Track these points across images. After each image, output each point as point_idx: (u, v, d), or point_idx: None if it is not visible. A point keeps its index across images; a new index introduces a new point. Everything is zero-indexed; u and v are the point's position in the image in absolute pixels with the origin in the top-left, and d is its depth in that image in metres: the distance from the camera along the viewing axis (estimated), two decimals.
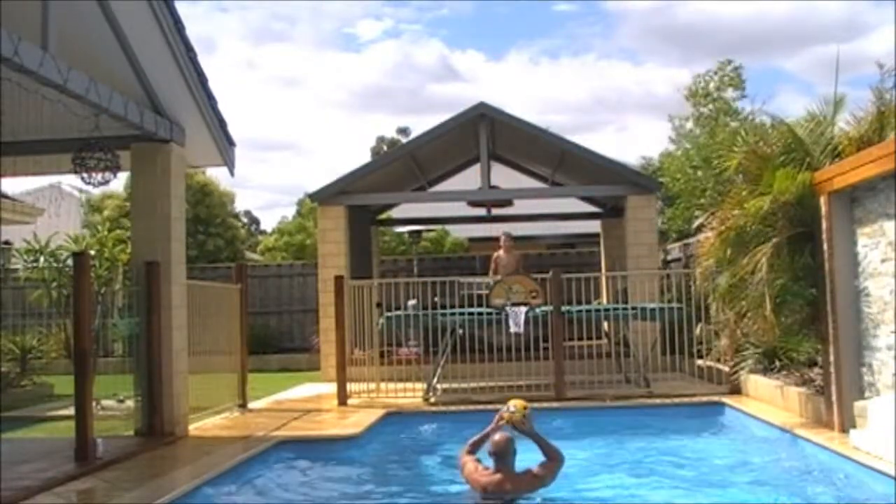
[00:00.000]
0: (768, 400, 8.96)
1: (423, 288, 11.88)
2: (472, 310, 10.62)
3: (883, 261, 6.60)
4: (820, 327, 7.56)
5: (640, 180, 14.13)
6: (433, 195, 17.46)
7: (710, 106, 22.52)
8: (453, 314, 10.57)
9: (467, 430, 6.10)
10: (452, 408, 9.72)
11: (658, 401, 9.71)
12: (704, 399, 9.57)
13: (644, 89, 65.96)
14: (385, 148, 40.11)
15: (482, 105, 13.51)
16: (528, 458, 5.75)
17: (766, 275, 7.42)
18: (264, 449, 7.36)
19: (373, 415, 9.21)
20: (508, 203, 17.22)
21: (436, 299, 11.33)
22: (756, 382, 9.47)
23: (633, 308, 10.62)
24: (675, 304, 10.57)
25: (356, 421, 8.91)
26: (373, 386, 10.82)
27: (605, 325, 12.95)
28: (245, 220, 40.23)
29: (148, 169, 8.19)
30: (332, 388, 10.80)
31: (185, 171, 9.00)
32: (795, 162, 7.79)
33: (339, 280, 10.87)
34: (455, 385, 10.84)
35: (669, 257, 15.48)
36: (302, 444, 7.80)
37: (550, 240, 20.88)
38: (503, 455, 5.61)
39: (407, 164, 15.06)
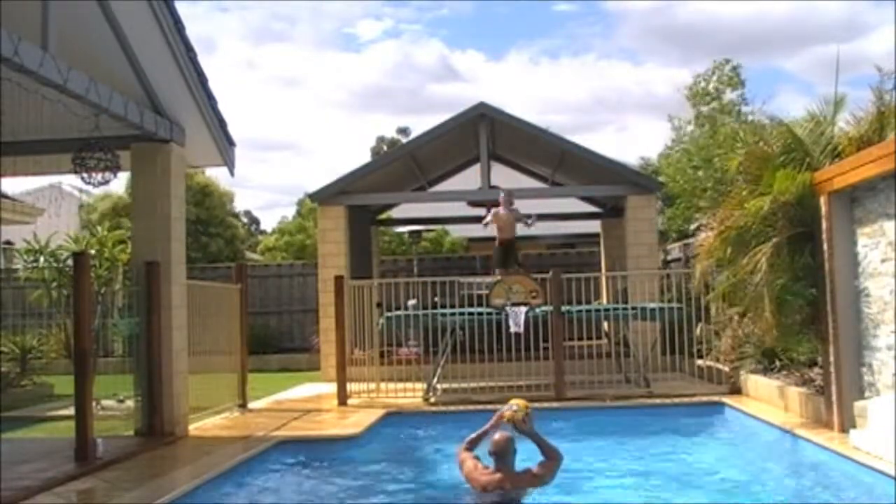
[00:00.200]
0: (768, 400, 8.96)
1: (423, 288, 11.88)
2: (472, 310, 10.62)
3: (883, 261, 6.60)
4: (820, 327, 7.56)
5: (640, 180, 14.14)
6: (433, 195, 17.46)
7: (711, 105, 22.53)
8: (453, 314, 10.57)
9: (467, 431, 6.09)
10: (452, 408, 9.72)
11: (658, 401, 9.71)
12: (704, 399, 9.57)
13: (644, 89, 65.99)
14: (385, 148, 40.11)
15: (482, 105, 13.52)
16: (527, 457, 5.75)
17: (766, 275, 7.42)
18: (264, 449, 7.37)
19: (373, 415, 9.22)
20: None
21: (436, 299, 11.33)
22: (756, 382, 9.47)
23: (633, 308, 10.63)
24: (675, 304, 10.57)
25: (356, 421, 8.92)
26: (373, 386, 10.82)
27: (605, 325, 12.96)
28: (245, 219, 40.26)
29: (148, 169, 8.20)
30: (332, 388, 10.80)
31: (185, 171, 9.00)
32: (795, 162, 7.79)
33: (339, 280, 10.87)
34: (455, 385, 10.84)
35: (669, 257, 15.49)
36: (302, 444, 7.80)
37: (550, 240, 20.87)
38: (503, 454, 5.61)
39: (407, 164, 15.07)
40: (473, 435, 5.96)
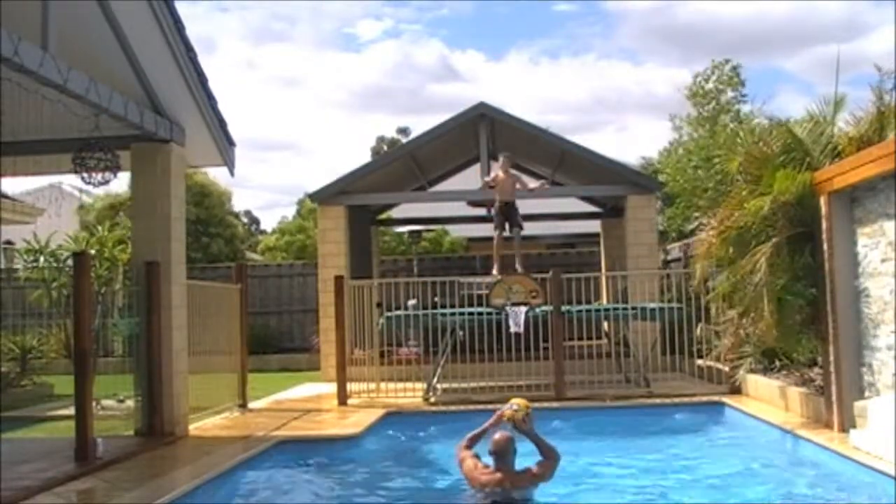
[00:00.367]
0: (768, 400, 8.96)
1: (423, 288, 11.88)
2: (472, 310, 10.62)
3: (883, 261, 6.60)
4: (820, 327, 7.56)
5: (640, 180, 14.14)
6: (433, 195, 17.46)
7: (710, 105, 22.52)
8: (453, 314, 10.57)
9: (467, 430, 6.09)
10: (452, 408, 9.72)
11: (658, 401, 9.71)
12: (704, 399, 9.57)
13: (644, 89, 66.00)
14: (385, 148, 40.12)
15: (482, 105, 13.52)
16: (526, 457, 5.75)
17: (765, 275, 7.42)
18: (264, 449, 7.37)
19: (373, 415, 9.22)
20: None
21: (436, 299, 11.33)
22: (756, 382, 9.47)
23: (633, 308, 10.63)
24: (675, 304, 10.57)
25: (356, 421, 8.92)
26: (373, 386, 10.82)
27: (605, 325, 12.95)
28: (245, 219, 40.25)
29: (148, 169, 8.19)
30: (332, 388, 10.81)
31: (185, 171, 9.00)
32: (795, 162, 7.80)
33: (339, 280, 10.87)
34: (455, 385, 10.84)
35: (669, 257, 15.48)
36: (302, 443, 7.80)
37: (550, 240, 20.88)
38: (503, 454, 5.62)
39: (407, 164, 15.07)
40: (473, 433, 5.97)
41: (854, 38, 52.22)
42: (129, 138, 7.92)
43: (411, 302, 11.60)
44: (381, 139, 44.07)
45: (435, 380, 10.55)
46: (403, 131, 43.50)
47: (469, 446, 5.90)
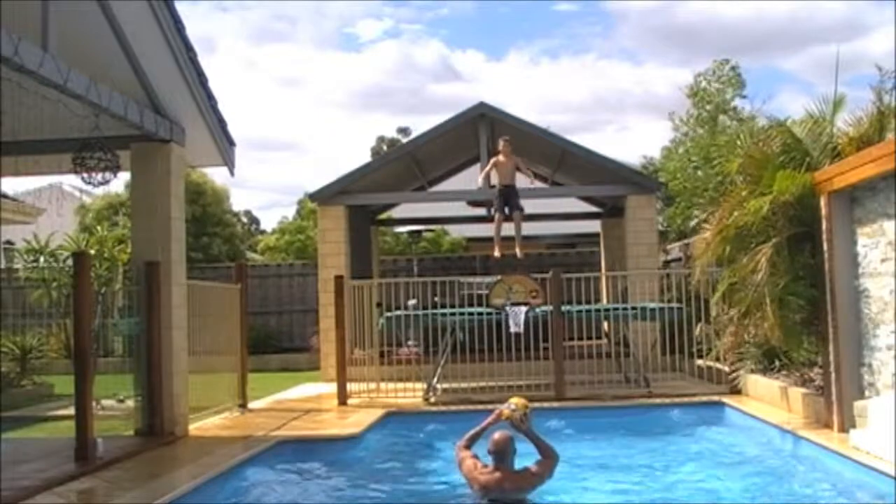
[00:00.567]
0: (768, 400, 8.96)
1: (423, 288, 11.88)
2: (472, 310, 10.62)
3: (883, 261, 6.60)
4: (820, 327, 7.56)
5: (640, 180, 14.14)
6: (433, 195, 17.46)
7: (709, 106, 22.49)
8: (453, 314, 10.57)
9: (467, 430, 6.09)
10: (452, 408, 9.72)
11: (658, 401, 9.71)
12: (704, 399, 9.57)
13: (644, 89, 65.97)
14: (385, 148, 40.11)
15: (482, 105, 13.52)
16: (526, 458, 5.75)
17: (766, 275, 7.42)
18: (264, 449, 7.36)
19: (373, 415, 9.22)
20: None
21: (436, 299, 11.33)
22: (756, 382, 9.47)
23: (633, 308, 10.63)
24: (675, 304, 10.57)
25: (356, 421, 8.92)
26: (373, 386, 10.83)
27: (605, 325, 12.95)
28: (245, 219, 40.25)
29: (148, 169, 8.19)
30: (332, 388, 10.81)
31: (185, 171, 9.01)
32: (795, 162, 7.80)
33: (339, 280, 10.88)
34: (455, 385, 10.84)
35: (669, 257, 15.49)
36: (302, 443, 7.80)
37: (550, 240, 20.88)
38: (503, 454, 5.62)
39: (407, 164, 15.07)
40: (472, 432, 5.96)
41: (854, 38, 52.30)
42: (129, 138, 7.92)
43: (411, 302, 11.60)
44: (381, 139, 44.06)
45: (435, 380, 10.55)
46: (403, 131, 43.50)
47: (468, 446, 5.90)
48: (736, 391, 9.77)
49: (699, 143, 20.24)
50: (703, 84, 22.91)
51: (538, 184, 17.33)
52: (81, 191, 22.55)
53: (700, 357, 10.69)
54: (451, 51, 73.81)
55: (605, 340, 13.14)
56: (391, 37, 72.53)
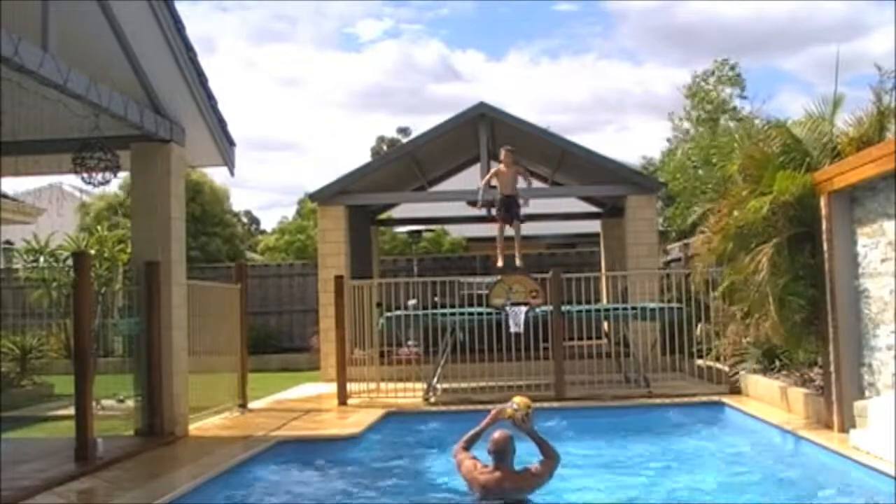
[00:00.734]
0: (768, 400, 8.96)
1: (423, 288, 11.88)
2: (472, 310, 10.62)
3: (883, 261, 6.60)
4: (820, 327, 7.56)
5: (640, 180, 14.14)
6: (433, 195, 17.46)
7: (709, 106, 22.51)
8: (453, 314, 10.57)
9: (467, 431, 6.09)
10: (452, 408, 9.72)
11: (658, 401, 9.71)
12: (704, 399, 9.57)
13: (644, 89, 65.95)
14: (385, 148, 40.10)
15: (482, 105, 13.52)
16: (526, 457, 5.75)
17: (767, 275, 7.42)
18: (264, 449, 7.36)
19: (373, 415, 9.22)
20: None
21: (436, 299, 11.33)
22: (756, 382, 9.47)
23: (633, 308, 10.63)
24: (675, 304, 10.57)
25: (356, 421, 8.92)
26: (373, 386, 10.83)
27: (605, 325, 12.95)
28: (245, 219, 40.24)
29: (148, 169, 8.19)
30: (332, 388, 10.81)
31: (185, 171, 9.01)
32: (794, 162, 7.80)
33: (339, 280, 10.88)
34: (455, 385, 10.84)
35: (669, 257, 15.49)
36: (302, 443, 7.80)
37: (550, 240, 20.88)
38: (503, 453, 5.61)
39: (407, 164, 15.07)
40: (470, 434, 5.95)
41: (854, 38, 52.25)
42: (129, 138, 7.92)
43: (411, 302, 11.60)
44: (381, 139, 44.06)
45: (435, 380, 10.55)
46: (403, 131, 43.49)
47: (466, 448, 5.89)
48: (736, 391, 9.78)
49: (699, 143, 20.26)
50: (702, 84, 22.92)
51: (538, 184, 17.40)
52: (81, 191, 22.52)
53: (700, 357, 10.69)
54: (451, 51, 73.84)
55: (605, 340, 13.14)
56: (391, 37, 72.56)
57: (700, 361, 10.71)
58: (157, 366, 8.00)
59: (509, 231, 12.17)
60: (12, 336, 12.81)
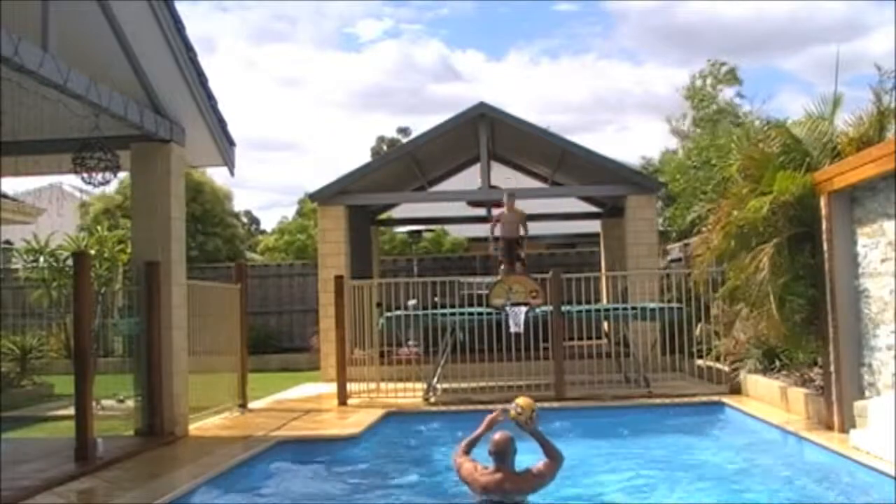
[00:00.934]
0: (768, 400, 8.96)
1: (423, 288, 11.88)
2: (472, 310, 10.61)
3: (883, 261, 6.60)
4: (820, 327, 7.56)
5: (640, 180, 14.14)
6: (433, 195, 17.46)
7: (709, 108, 22.50)
8: (453, 314, 10.57)
9: (467, 430, 6.08)
10: (452, 408, 9.72)
11: (658, 401, 9.71)
12: (704, 399, 9.57)
13: (644, 89, 65.92)
14: (385, 148, 40.09)
15: (482, 105, 13.52)
16: (526, 456, 5.74)
17: (768, 274, 7.42)
18: (264, 449, 7.37)
19: (373, 415, 9.22)
20: None
21: (436, 299, 11.33)
22: (756, 382, 9.47)
23: (633, 308, 10.63)
24: (675, 304, 10.57)
25: (356, 421, 8.92)
26: (373, 386, 10.83)
27: (605, 325, 12.95)
28: (245, 220, 40.22)
29: (148, 169, 8.20)
30: (332, 388, 10.81)
31: (185, 171, 9.01)
32: (794, 163, 7.80)
33: (339, 280, 10.88)
34: (455, 385, 10.84)
35: (670, 257, 15.47)
36: (302, 444, 7.80)
37: (550, 240, 20.88)
38: (503, 454, 5.59)
39: (407, 164, 15.07)
40: (469, 438, 5.94)
41: (854, 38, 52.20)
42: (129, 138, 7.92)
43: (411, 302, 11.60)
44: (381, 139, 44.04)
45: (435, 380, 10.55)
46: (403, 131, 43.48)
47: (466, 452, 5.88)
48: (736, 391, 9.78)
49: (699, 143, 20.25)
50: (700, 83, 22.89)
51: (538, 184, 17.40)
52: (81, 191, 22.51)
53: (700, 357, 10.69)
54: (451, 51, 73.80)
55: (605, 340, 13.13)
56: (391, 37, 72.53)
57: (700, 361, 10.71)
58: (157, 366, 8.00)
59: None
60: (12, 336, 12.81)
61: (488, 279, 12.23)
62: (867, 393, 6.92)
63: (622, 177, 13.80)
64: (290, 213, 35.66)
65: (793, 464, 6.86)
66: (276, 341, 17.77)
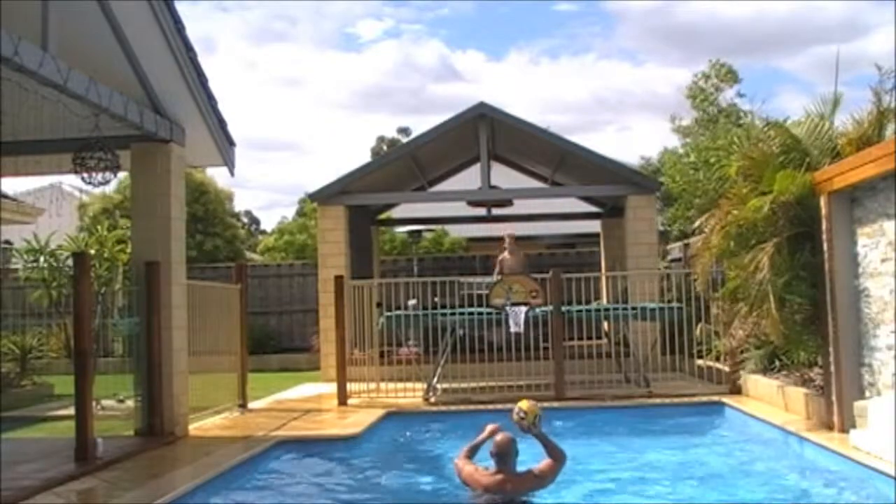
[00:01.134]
0: (768, 400, 8.96)
1: (423, 288, 11.88)
2: (472, 310, 10.62)
3: (883, 261, 6.60)
4: (820, 327, 7.56)
5: (640, 180, 14.13)
6: (433, 195, 17.45)
7: (710, 109, 22.48)
8: (453, 314, 10.57)
9: (466, 430, 6.09)
10: (452, 408, 9.72)
11: (658, 401, 9.71)
12: (704, 399, 9.57)
13: (644, 89, 65.96)
14: (385, 148, 40.09)
15: (482, 105, 13.51)
16: (526, 457, 5.75)
17: (768, 273, 7.42)
18: (264, 449, 7.36)
19: (373, 415, 9.22)
20: (508, 203, 17.23)
21: (436, 299, 11.33)
22: (756, 382, 9.47)
23: (633, 308, 10.63)
24: (675, 304, 10.57)
25: (356, 421, 8.91)
26: (373, 386, 10.83)
27: (605, 325, 12.95)
28: (245, 220, 40.23)
29: (148, 169, 8.19)
30: (332, 388, 10.80)
31: (185, 171, 9.01)
32: (794, 162, 7.80)
33: (339, 280, 10.87)
34: (455, 385, 10.84)
35: (670, 257, 15.47)
36: (302, 444, 7.80)
37: (550, 240, 20.88)
38: (505, 455, 5.60)
39: (407, 164, 15.06)
40: (470, 445, 5.94)
41: (854, 38, 52.28)
42: (129, 138, 7.92)
43: (411, 302, 11.60)
44: (381, 139, 44.05)
45: (435, 380, 10.55)
46: (403, 131, 43.51)
47: (468, 457, 5.88)
48: (736, 391, 9.78)
49: (699, 145, 20.25)
50: (701, 83, 22.87)
51: (538, 184, 17.39)
52: (81, 191, 22.51)
53: (700, 357, 10.69)
54: (451, 51, 73.87)
55: (605, 340, 13.13)
56: (391, 37, 72.58)
57: (700, 361, 10.71)
58: (157, 366, 8.00)
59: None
60: (12, 336, 12.80)
61: (488, 279, 12.23)
62: (867, 393, 6.92)
63: (622, 177, 13.79)
64: (291, 213, 35.69)
65: (792, 463, 6.86)
66: (276, 341, 17.77)
